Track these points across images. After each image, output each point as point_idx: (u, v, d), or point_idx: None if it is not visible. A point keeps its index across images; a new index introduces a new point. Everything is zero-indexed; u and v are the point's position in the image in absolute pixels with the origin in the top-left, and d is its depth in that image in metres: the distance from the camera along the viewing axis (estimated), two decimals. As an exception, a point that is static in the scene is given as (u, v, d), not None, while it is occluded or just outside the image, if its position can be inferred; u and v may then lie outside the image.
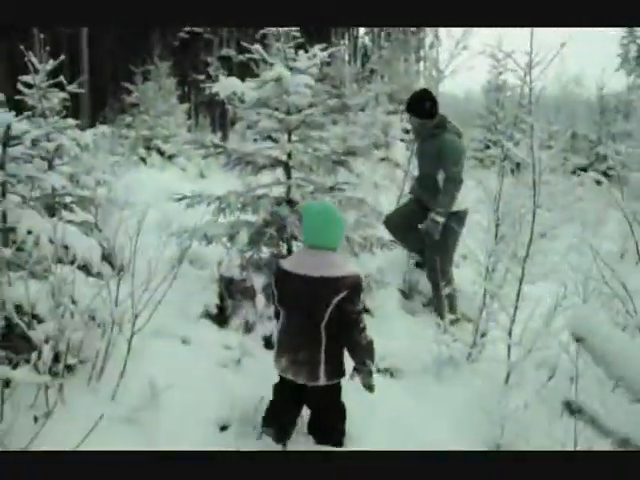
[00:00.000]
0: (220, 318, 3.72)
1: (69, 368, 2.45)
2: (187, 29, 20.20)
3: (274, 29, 4.16)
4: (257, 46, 4.20)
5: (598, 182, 11.94)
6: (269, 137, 4.48)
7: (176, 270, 2.79)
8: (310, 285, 2.43)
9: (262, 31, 5.22)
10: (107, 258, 3.98)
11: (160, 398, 2.53)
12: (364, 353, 2.48)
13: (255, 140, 9.78)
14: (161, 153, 11.28)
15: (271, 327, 3.65)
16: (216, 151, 4.14)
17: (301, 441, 2.67)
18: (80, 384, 2.49)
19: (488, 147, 15.04)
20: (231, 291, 3.78)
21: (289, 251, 4.11)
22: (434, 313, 4.14)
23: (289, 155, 4.12)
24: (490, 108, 15.79)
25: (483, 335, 3.48)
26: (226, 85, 4.13)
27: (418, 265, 4.70)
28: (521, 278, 2.99)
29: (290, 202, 4.07)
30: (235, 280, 3.80)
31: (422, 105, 4.25)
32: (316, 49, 4.26)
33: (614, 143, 12.46)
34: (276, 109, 4.18)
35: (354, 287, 2.42)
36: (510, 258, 3.26)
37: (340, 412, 2.67)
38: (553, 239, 3.17)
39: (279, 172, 4.55)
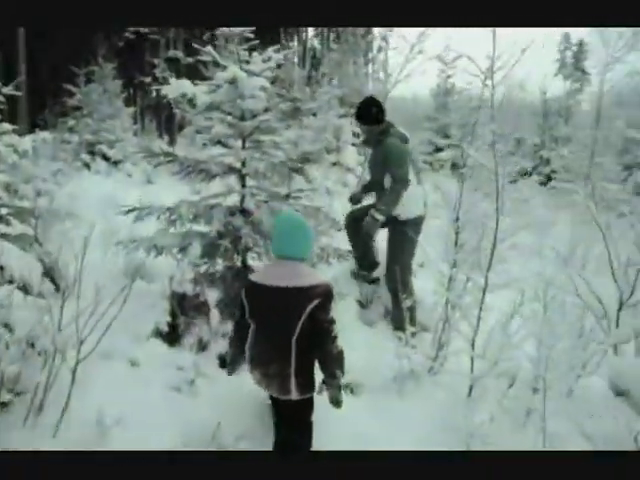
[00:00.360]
0: (171, 337, 3.51)
1: (3, 405, 2.22)
2: (132, 29, 19.62)
3: (226, 29, 3.96)
4: (209, 48, 4.03)
5: (542, 183, 12.31)
6: (219, 142, 4.31)
7: (127, 292, 2.58)
8: (281, 296, 2.41)
9: (212, 32, 5.05)
10: (49, 274, 3.73)
11: (108, 432, 2.33)
12: (335, 363, 2.44)
13: (204, 145, 9.49)
14: (106, 159, 10.82)
15: (226, 345, 3.48)
16: (166, 159, 3.93)
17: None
18: (16, 421, 2.25)
19: (438, 150, 15.24)
20: (183, 307, 3.59)
21: (244, 264, 3.95)
22: (393, 325, 4.06)
23: (243, 162, 3.97)
24: (440, 111, 16.01)
25: (443, 347, 3.42)
26: (176, 87, 3.95)
27: (355, 275, 4.63)
28: (484, 288, 2.94)
29: (244, 212, 3.92)
30: (188, 296, 3.61)
31: (369, 112, 4.19)
32: (270, 51, 4.13)
33: (557, 147, 12.85)
34: (229, 114, 4.03)
35: (326, 295, 2.41)
36: (471, 267, 3.22)
37: (309, 431, 2.61)
38: (512, 247, 3.13)
39: (232, 180, 4.39)
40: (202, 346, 3.48)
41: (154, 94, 22.41)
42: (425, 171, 13.26)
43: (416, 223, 4.20)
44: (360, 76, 18.51)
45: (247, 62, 4.00)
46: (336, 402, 2.49)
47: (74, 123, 12.35)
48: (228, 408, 2.95)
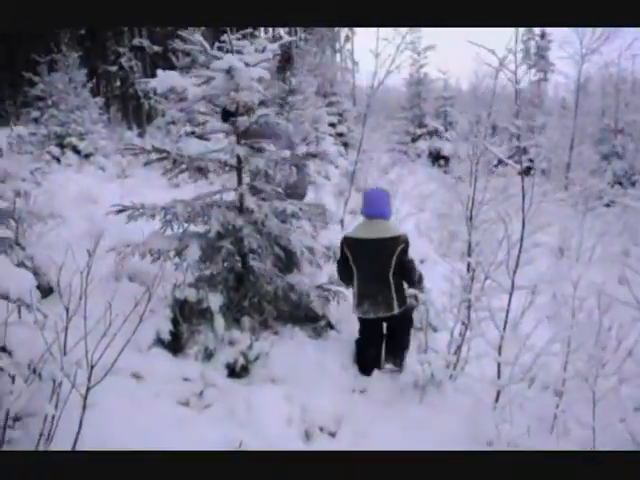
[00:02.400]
0: (175, 345, 3.30)
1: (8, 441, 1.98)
2: (94, 16, 18.87)
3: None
4: (198, 36, 3.78)
5: (520, 173, 12.30)
6: (197, 135, 4.07)
7: (146, 309, 2.36)
8: (377, 245, 3.35)
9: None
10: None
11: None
12: (418, 284, 3.55)
13: (179, 137, 9.10)
14: (77, 152, 10.34)
15: (233, 352, 3.29)
16: (157, 157, 3.67)
17: None
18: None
19: (414, 140, 15.19)
20: (185, 314, 3.37)
21: (244, 266, 3.74)
22: None
23: (239, 159, 3.75)
24: (414, 101, 15.96)
25: (458, 349, 3.31)
26: (165, 80, 3.66)
27: None
28: (511, 291, 2.82)
29: (244, 211, 3.71)
30: (189, 302, 3.39)
31: None
32: (264, 41, 3.90)
33: (533, 135, 12.91)
34: (224, 108, 3.80)
35: (406, 242, 3.38)
36: (488, 267, 3.10)
37: (411, 321, 3.60)
38: (535, 245, 3.01)
39: (226, 177, 4.17)
40: (208, 354, 3.28)
41: (118, 83, 21.77)
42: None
43: None
44: (331, 66, 18.35)
45: (239, 52, 3.77)
46: (421, 289, 3.59)
47: (38, 114, 11.79)
48: (243, 421, 2.77)
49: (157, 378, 2.98)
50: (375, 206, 3.48)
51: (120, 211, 3.52)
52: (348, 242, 3.45)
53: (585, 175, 9.03)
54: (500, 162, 4.80)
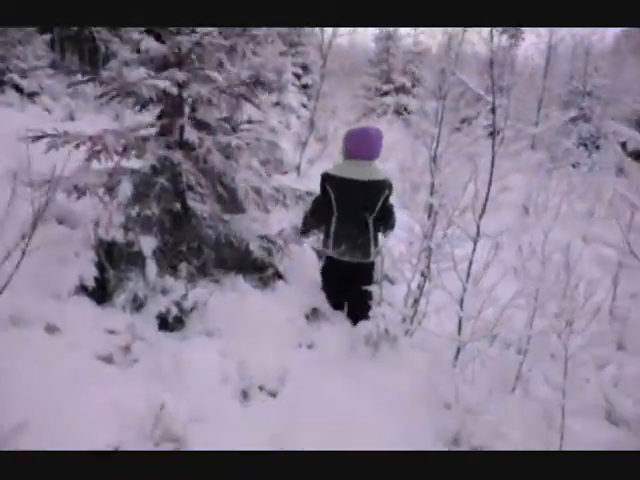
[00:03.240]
0: (100, 293, 2.90)
1: None
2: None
3: None
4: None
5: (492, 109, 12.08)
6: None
7: (28, 239, 1.96)
8: (364, 187, 3.18)
9: None
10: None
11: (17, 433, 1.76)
12: (392, 226, 3.37)
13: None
14: (19, 90, 9.48)
15: (166, 302, 2.93)
16: (87, 78, 3.21)
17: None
18: None
19: (382, 95, 14.77)
20: (113, 258, 2.97)
21: (183, 206, 3.34)
22: None
23: (180, 86, 3.30)
24: (382, 56, 15.45)
25: (415, 302, 3.03)
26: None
27: None
28: (476, 239, 2.52)
29: (184, 145, 3.29)
30: (118, 244, 2.99)
31: None
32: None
33: (501, 95, 12.65)
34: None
35: (391, 186, 3.30)
36: (452, 211, 2.80)
37: (372, 279, 3.24)
38: (504, 189, 2.71)
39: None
40: (137, 304, 2.90)
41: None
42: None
43: None
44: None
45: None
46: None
47: (-24, 48, 10.81)
48: (172, 380, 2.43)
49: (76, 330, 2.60)
50: (368, 146, 3.26)
51: (38, 137, 3.06)
52: (333, 181, 3.21)
53: (552, 135, 8.87)
54: (464, 121, 4.59)
